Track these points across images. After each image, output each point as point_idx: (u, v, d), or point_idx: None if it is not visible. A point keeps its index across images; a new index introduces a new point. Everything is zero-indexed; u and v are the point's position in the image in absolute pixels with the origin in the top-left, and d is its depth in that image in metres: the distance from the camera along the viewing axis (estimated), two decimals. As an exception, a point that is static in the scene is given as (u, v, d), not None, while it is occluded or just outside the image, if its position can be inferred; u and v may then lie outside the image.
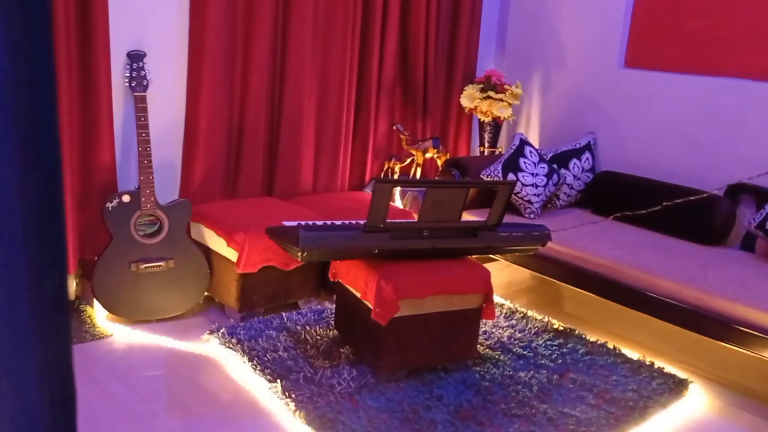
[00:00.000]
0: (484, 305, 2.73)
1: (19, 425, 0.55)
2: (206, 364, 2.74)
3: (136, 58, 2.98)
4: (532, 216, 3.66)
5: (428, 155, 4.06)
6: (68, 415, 0.57)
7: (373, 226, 2.51)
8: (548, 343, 3.05)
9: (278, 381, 2.56)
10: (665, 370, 2.87)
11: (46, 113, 0.50)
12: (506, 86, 4.19)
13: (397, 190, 3.91)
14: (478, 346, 2.88)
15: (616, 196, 3.68)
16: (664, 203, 3.00)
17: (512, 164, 3.72)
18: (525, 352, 2.94)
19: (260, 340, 2.87)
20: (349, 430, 2.29)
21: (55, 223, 0.52)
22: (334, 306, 3.05)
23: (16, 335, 0.52)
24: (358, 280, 2.67)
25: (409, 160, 4.11)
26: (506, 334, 3.12)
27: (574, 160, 3.91)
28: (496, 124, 4.31)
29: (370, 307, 2.56)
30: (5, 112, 0.49)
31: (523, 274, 3.91)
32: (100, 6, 2.85)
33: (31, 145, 0.50)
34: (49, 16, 0.48)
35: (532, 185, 3.65)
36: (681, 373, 2.86)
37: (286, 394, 2.48)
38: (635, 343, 3.17)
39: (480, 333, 2.90)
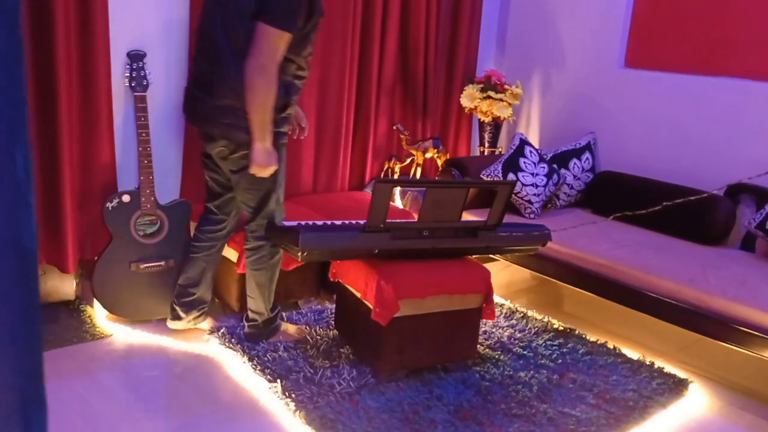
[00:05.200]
0: (484, 305, 2.73)
1: None
2: (206, 364, 2.74)
3: (136, 58, 2.98)
4: (532, 216, 3.65)
5: (428, 155, 4.06)
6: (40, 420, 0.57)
7: (373, 226, 2.51)
8: (548, 343, 3.05)
9: (278, 381, 2.56)
10: (665, 370, 2.87)
11: (17, 117, 0.50)
12: (506, 86, 4.19)
13: (397, 190, 3.91)
14: (478, 346, 2.88)
15: (616, 196, 3.68)
16: (664, 203, 3.00)
17: (512, 164, 3.71)
18: (525, 352, 2.94)
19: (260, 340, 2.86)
20: (349, 430, 2.29)
21: (26, 228, 0.52)
22: (334, 306, 3.05)
23: None
24: (358, 280, 2.67)
25: (409, 160, 4.11)
26: (506, 334, 3.12)
27: (574, 160, 3.91)
28: (496, 124, 4.30)
29: (370, 307, 2.56)
30: None
31: (523, 274, 3.91)
32: (100, 6, 2.85)
33: (3, 150, 0.50)
34: (18, 18, 0.48)
35: (532, 185, 3.65)
36: (681, 373, 2.86)
37: (286, 394, 2.48)
38: (635, 343, 3.17)
39: (480, 333, 2.90)
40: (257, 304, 2.81)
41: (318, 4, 2.48)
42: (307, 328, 2.99)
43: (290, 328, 2.94)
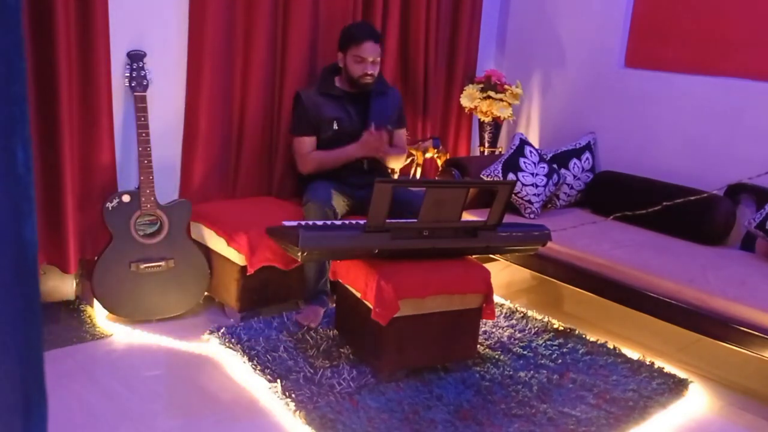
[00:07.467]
0: (484, 305, 2.73)
1: None
2: (206, 364, 2.74)
3: (136, 58, 2.98)
4: (532, 216, 3.65)
5: (428, 155, 4.06)
6: (40, 417, 0.57)
7: (373, 226, 2.51)
8: (548, 343, 3.05)
9: (278, 381, 2.56)
10: (665, 370, 2.87)
11: (18, 113, 0.50)
12: (506, 86, 4.19)
13: (397, 190, 3.91)
14: (478, 346, 2.87)
15: (616, 196, 3.68)
16: (664, 203, 3.00)
17: (512, 164, 3.71)
18: (525, 352, 2.94)
19: (260, 340, 2.87)
20: (349, 430, 2.29)
21: (27, 222, 0.52)
22: (334, 306, 3.05)
23: None
24: (358, 280, 2.67)
25: (409, 160, 4.11)
26: (506, 334, 3.12)
27: (574, 160, 3.91)
28: (496, 124, 4.30)
29: (370, 307, 2.56)
30: None
31: (523, 274, 3.91)
32: (100, 6, 2.85)
33: (3, 146, 0.50)
34: (19, 15, 0.48)
35: (532, 185, 3.65)
36: (681, 373, 2.86)
37: (286, 394, 2.48)
38: (635, 343, 3.17)
39: (480, 333, 2.90)
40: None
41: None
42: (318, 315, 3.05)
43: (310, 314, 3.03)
